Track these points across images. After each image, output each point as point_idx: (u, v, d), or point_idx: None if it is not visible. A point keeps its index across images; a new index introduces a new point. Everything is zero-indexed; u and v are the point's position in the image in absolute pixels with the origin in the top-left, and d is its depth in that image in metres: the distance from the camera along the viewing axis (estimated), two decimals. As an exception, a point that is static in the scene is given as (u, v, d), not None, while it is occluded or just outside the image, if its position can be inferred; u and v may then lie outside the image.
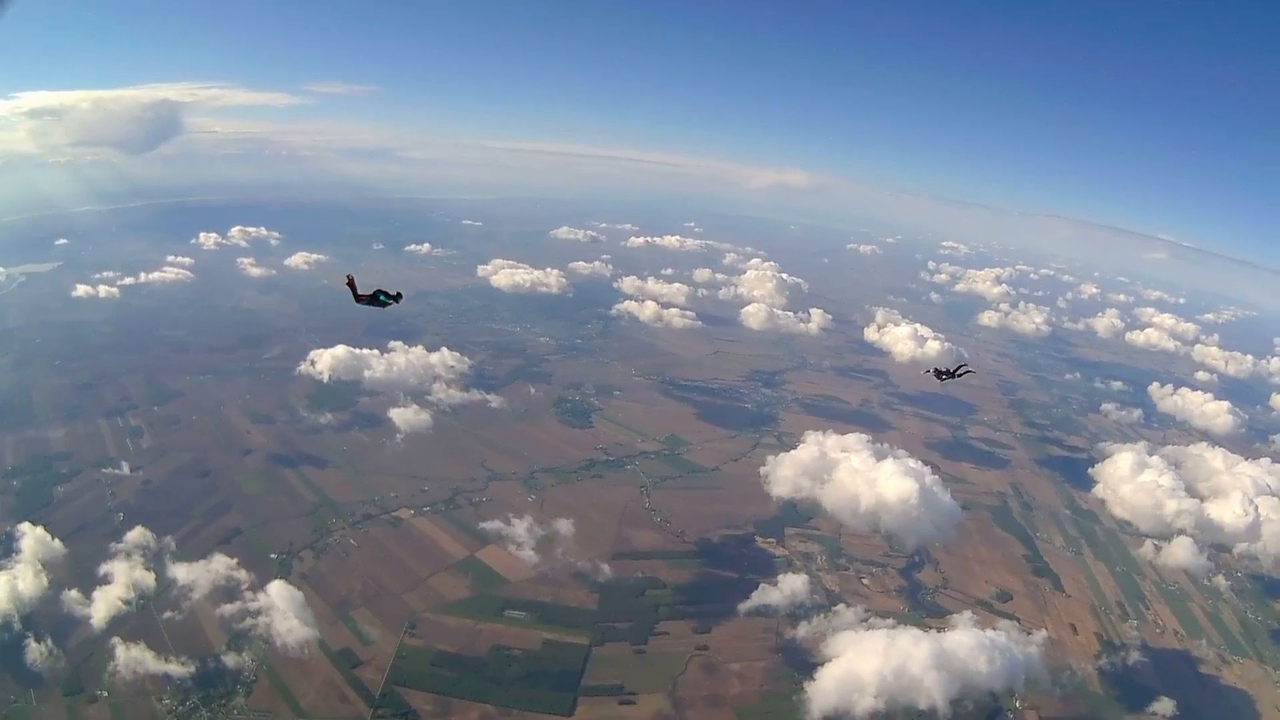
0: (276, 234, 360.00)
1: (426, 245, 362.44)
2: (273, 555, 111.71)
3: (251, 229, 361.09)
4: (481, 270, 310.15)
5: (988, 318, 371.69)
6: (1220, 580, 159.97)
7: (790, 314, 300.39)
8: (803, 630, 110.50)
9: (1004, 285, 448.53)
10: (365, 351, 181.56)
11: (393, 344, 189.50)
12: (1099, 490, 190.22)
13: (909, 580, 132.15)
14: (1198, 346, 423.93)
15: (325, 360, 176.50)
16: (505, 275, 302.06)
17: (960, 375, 56.92)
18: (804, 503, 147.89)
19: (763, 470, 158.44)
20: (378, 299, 38.14)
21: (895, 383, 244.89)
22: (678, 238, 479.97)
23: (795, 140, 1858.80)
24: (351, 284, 37.81)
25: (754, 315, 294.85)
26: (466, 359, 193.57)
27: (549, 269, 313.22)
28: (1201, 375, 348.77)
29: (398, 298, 38.39)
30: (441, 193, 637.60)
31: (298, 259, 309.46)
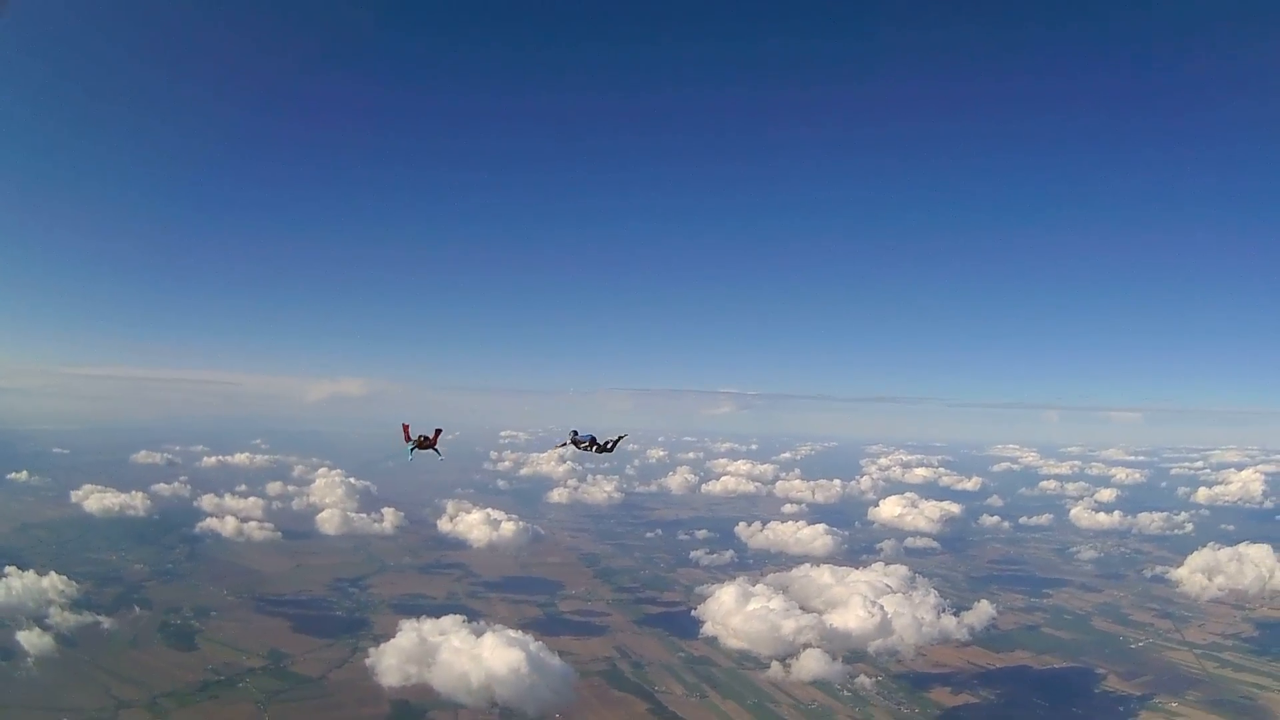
0: None
1: (25, 473, 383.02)
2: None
3: None
4: (75, 496, 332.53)
5: (557, 494, 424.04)
6: (864, 680, 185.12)
7: (364, 515, 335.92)
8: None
9: (569, 463, 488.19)
10: None
11: (8, 568, 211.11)
12: (708, 628, 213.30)
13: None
14: (779, 483, 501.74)
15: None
16: (95, 499, 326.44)
17: (610, 447, 59.71)
18: (415, 691, 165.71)
19: (368, 662, 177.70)
20: (426, 444, 55.10)
21: (477, 571, 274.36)
22: (247, 455, 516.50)
23: (346, 350, 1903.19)
24: (408, 433, 54.61)
25: (329, 521, 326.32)
26: (75, 583, 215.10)
27: (134, 492, 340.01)
28: (789, 508, 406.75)
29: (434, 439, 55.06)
30: (31, 422, 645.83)
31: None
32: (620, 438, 60.92)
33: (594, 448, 60.76)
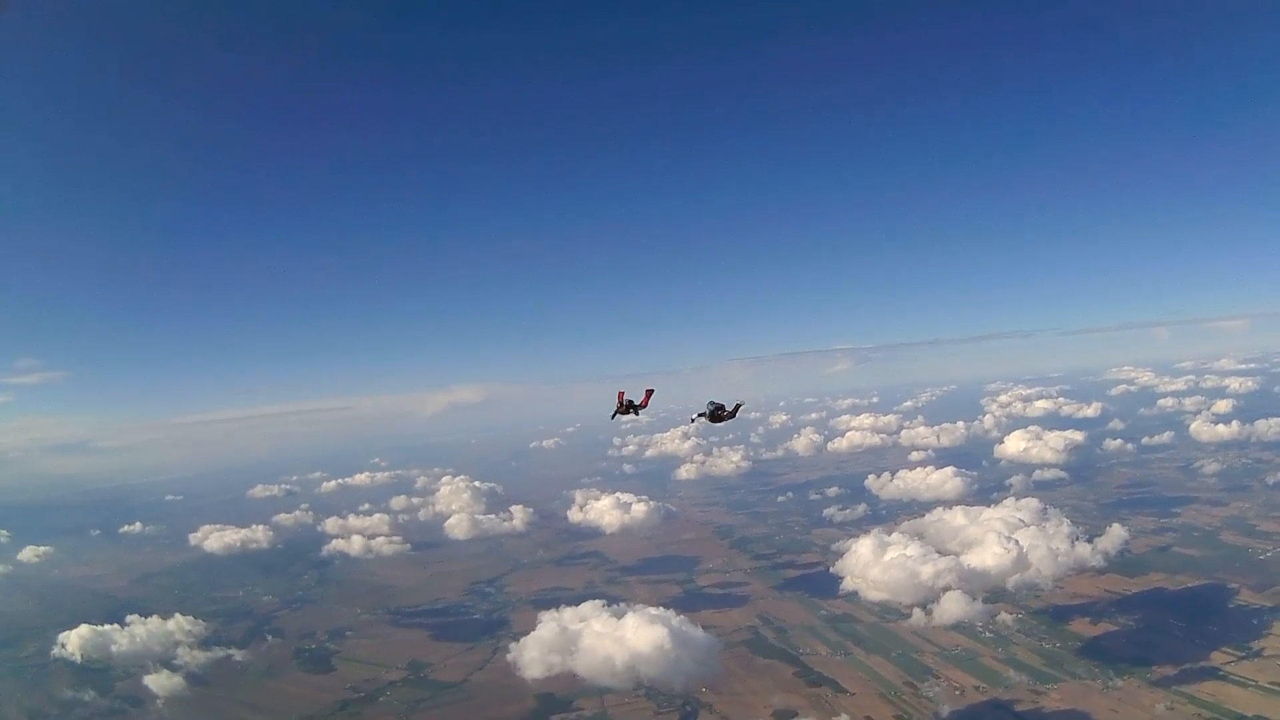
0: (4, 532, 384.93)
1: (139, 524, 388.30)
2: None
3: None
4: (193, 539, 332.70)
5: (685, 471, 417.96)
6: (1005, 619, 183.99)
7: (493, 516, 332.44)
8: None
9: (693, 439, 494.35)
10: (108, 627, 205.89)
11: (130, 618, 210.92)
12: (848, 583, 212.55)
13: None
14: (904, 432, 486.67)
15: (73, 641, 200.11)
16: (216, 538, 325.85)
17: (733, 414, 55.71)
18: (560, 682, 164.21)
19: (510, 658, 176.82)
20: (630, 408, 52.97)
21: (612, 558, 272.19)
22: (367, 474, 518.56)
23: (459, 359, 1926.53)
24: (621, 399, 52.59)
25: (458, 526, 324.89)
26: (202, 622, 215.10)
27: (254, 526, 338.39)
28: (916, 455, 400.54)
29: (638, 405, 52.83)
30: (141, 476, 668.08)
31: (28, 553, 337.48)
32: (739, 405, 56.05)
33: (719, 417, 55.63)
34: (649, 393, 55.03)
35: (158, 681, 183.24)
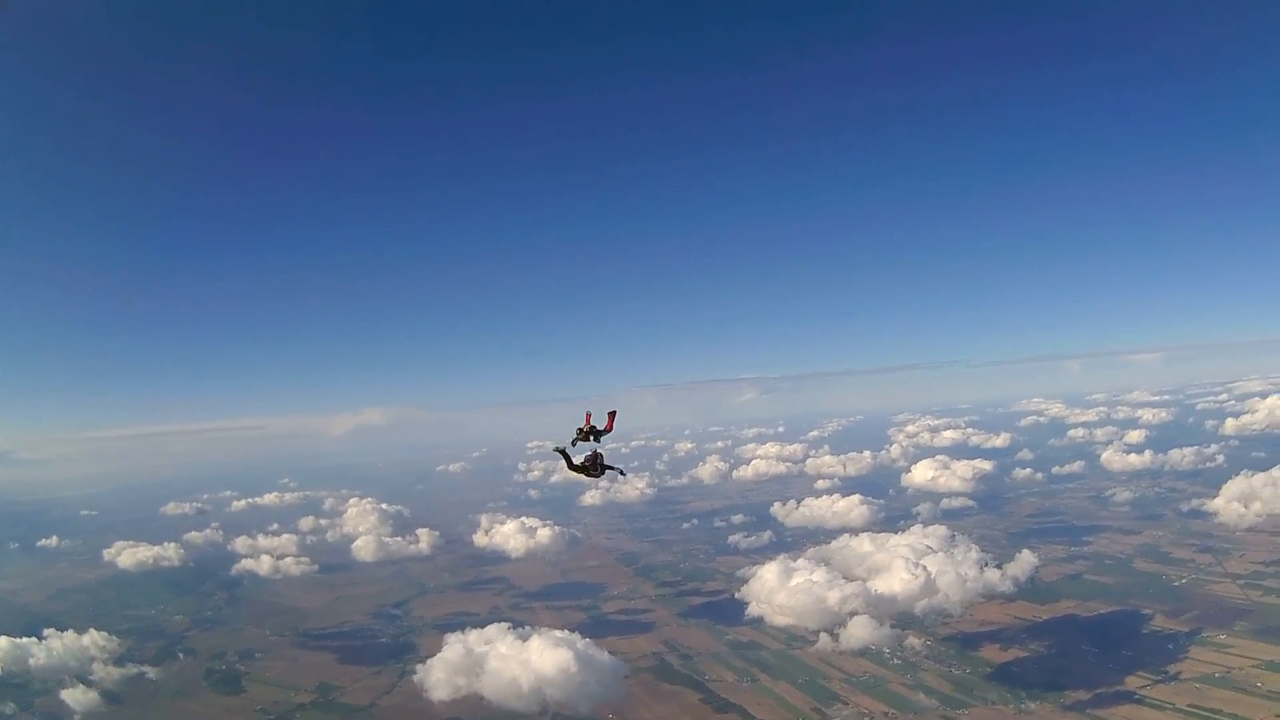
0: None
1: (55, 538, 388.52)
2: None
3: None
4: (107, 554, 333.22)
5: (590, 497, 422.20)
6: (913, 643, 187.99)
7: (399, 539, 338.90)
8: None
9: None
10: (26, 640, 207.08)
11: (47, 632, 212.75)
12: (753, 609, 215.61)
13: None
14: (809, 461, 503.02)
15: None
16: (129, 555, 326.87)
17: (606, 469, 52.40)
18: (466, 705, 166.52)
19: (417, 680, 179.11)
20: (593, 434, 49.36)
21: (517, 583, 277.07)
22: (276, 494, 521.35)
23: (366, 382, 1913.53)
24: (564, 454, 49.01)
25: (365, 548, 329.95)
26: (116, 639, 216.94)
27: (166, 543, 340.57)
28: (822, 484, 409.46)
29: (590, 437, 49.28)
30: (57, 490, 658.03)
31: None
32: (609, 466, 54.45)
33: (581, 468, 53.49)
34: (612, 415, 52.32)
35: (74, 697, 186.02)
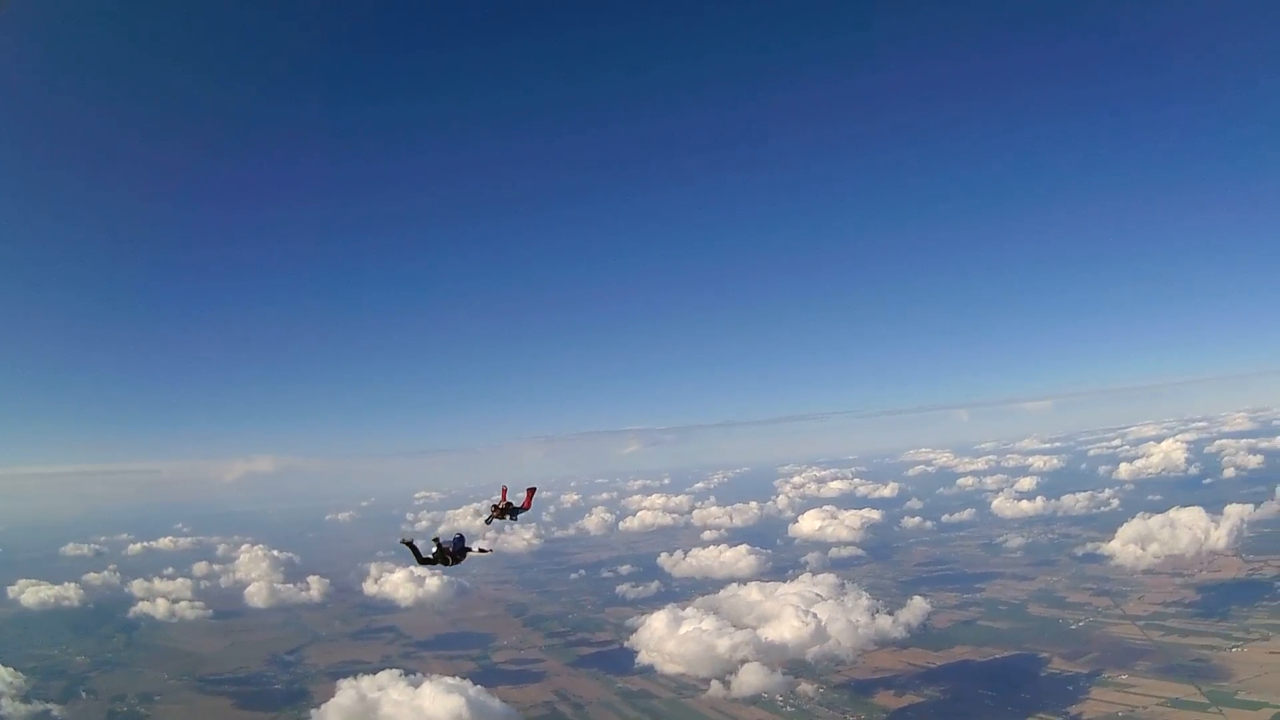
0: None
1: None
2: None
3: None
4: (10, 591, 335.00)
5: (477, 547, 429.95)
6: (806, 689, 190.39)
7: (291, 585, 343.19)
8: None
9: (486, 516, 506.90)
10: None
11: None
12: (643, 657, 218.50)
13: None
14: (696, 512, 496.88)
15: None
16: (31, 593, 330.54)
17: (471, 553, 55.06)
18: None
19: None
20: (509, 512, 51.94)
21: (408, 632, 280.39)
22: (170, 539, 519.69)
23: (253, 429, 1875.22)
24: (411, 545, 50.87)
25: (257, 594, 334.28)
26: (22, 676, 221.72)
27: (67, 583, 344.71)
28: (708, 534, 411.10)
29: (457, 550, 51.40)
30: None
31: None
32: (468, 549, 58.04)
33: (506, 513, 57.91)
34: (531, 492, 56.35)
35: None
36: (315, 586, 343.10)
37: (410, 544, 53.43)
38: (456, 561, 55.79)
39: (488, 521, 56.91)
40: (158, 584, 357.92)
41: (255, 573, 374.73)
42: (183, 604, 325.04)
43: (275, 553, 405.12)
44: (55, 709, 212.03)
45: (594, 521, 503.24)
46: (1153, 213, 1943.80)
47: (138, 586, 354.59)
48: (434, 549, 53.83)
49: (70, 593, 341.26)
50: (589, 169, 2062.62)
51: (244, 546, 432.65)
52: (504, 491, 56.26)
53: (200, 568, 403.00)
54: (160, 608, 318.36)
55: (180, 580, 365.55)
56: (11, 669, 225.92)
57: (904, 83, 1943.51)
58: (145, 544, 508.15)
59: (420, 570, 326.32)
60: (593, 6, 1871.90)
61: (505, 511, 55.98)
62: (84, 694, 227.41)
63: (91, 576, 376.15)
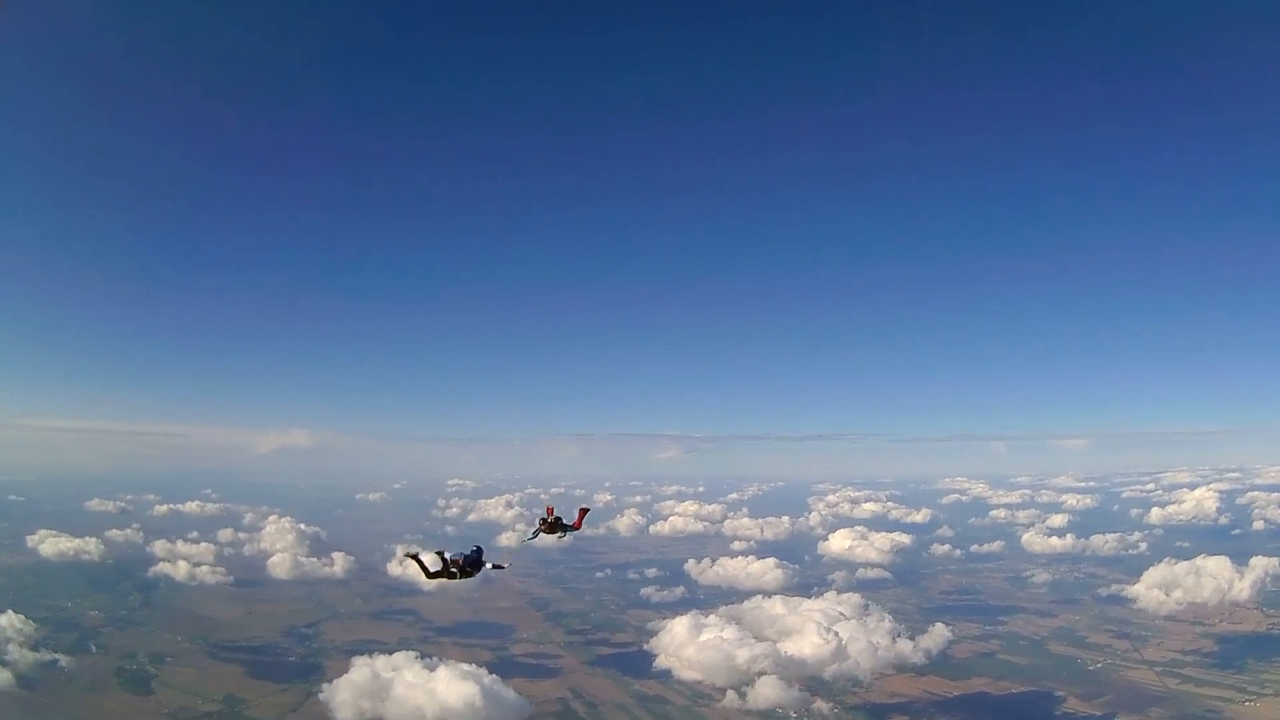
0: None
1: None
2: None
3: None
4: (30, 541, 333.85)
5: (506, 538, 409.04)
6: (821, 706, 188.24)
7: (315, 560, 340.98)
8: None
9: (516, 508, 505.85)
10: None
11: None
12: (661, 661, 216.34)
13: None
14: (727, 522, 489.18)
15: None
16: (51, 544, 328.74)
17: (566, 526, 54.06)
18: None
19: (322, 698, 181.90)
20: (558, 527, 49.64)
21: (428, 617, 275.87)
22: (198, 503, 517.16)
23: (293, 402, 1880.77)
24: (417, 559, 48.74)
25: (280, 566, 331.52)
26: (33, 624, 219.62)
27: (88, 538, 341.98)
28: (738, 545, 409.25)
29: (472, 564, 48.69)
30: None
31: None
32: (583, 513, 56.32)
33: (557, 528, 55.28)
34: (583, 513, 54.54)
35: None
36: (339, 563, 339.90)
37: (415, 557, 51.90)
38: (468, 575, 52.75)
39: (533, 536, 54.69)
40: (180, 546, 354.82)
41: (280, 544, 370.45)
42: (204, 568, 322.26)
43: (302, 526, 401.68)
44: (63, 659, 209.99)
45: (625, 523, 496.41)
46: (1208, 260, 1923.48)
47: (160, 547, 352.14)
48: (439, 564, 51.33)
49: (91, 547, 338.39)
50: (643, 169, 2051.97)
51: (271, 518, 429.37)
52: (549, 510, 53.95)
53: (225, 534, 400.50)
54: (181, 570, 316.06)
55: (204, 545, 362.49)
56: (23, 616, 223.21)
57: (952, 104, 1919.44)
58: (171, 506, 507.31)
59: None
60: (622, 10, 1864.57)
61: (554, 528, 53.84)
62: (94, 648, 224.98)
63: (114, 533, 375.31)
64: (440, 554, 51.82)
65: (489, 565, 54.00)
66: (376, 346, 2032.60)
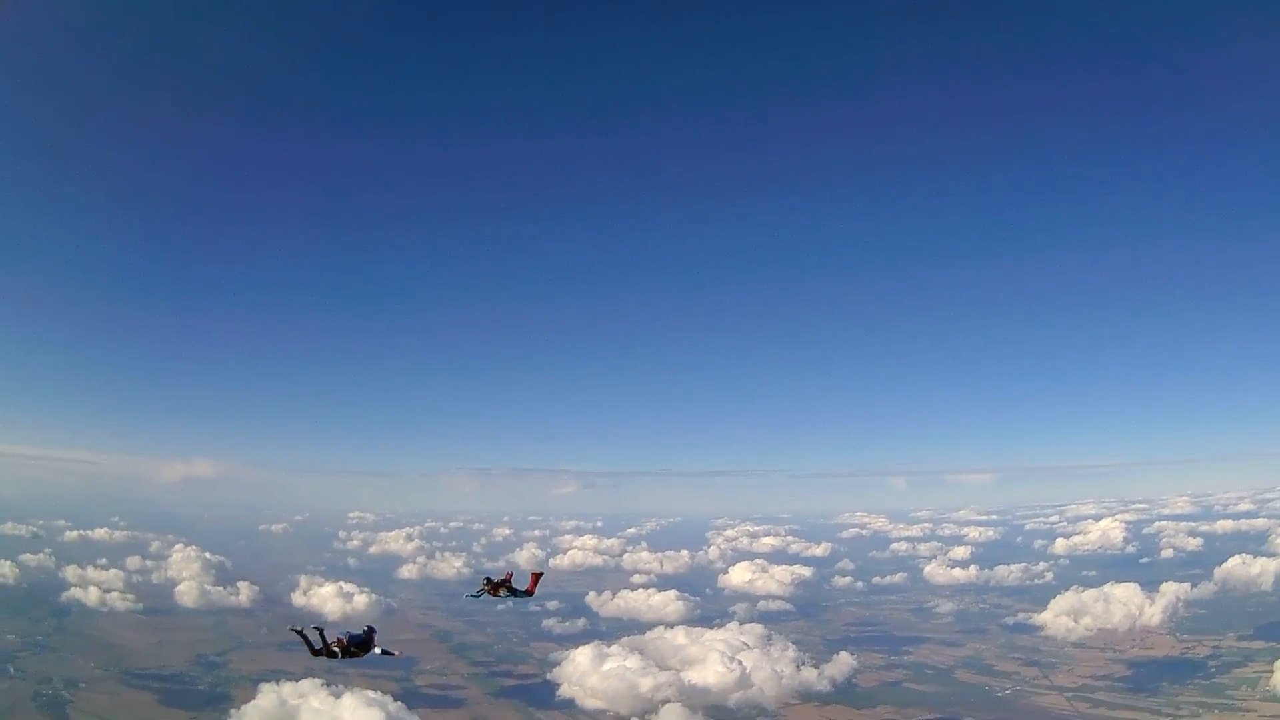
0: None
1: None
2: None
3: None
4: None
5: (407, 570, 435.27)
6: None
7: (221, 588, 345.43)
8: None
9: (416, 541, 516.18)
10: None
11: None
12: (565, 690, 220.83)
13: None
14: (627, 555, 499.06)
15: None
16: None
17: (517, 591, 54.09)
18: None
19: None
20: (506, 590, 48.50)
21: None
22: (106, 530, 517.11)
23: (198, 430, 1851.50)
24: (302, 634, 46.67)
25: (187, 593, 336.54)
26: None
27: (3, 560, 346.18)
28: (638, 578, 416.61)
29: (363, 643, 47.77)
30: None
31: None
32: (537, 577, 58.73)
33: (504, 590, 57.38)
34: (536, 577, 54.89)
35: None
36: (245, 592, 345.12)
37: (300, 632, 52.31)
38: (353, 656, 53.87)
39: (476, 595, 56.62)
40: (91, 572, 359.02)
41: (187, 572, 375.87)
42: (114, 595, 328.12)
43: (207, 555, 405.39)
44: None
45: (524, 556, 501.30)
46: (1106, 296, 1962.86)
47: (71, 573, 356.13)
48: (323, 642, 52.19)
49: (6, 571, 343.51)
50: (556, 193, 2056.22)
51: (177, 546, 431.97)
52: (509, 576, 56.13)
53: (134, 561, 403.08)
54: (92, 596, 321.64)
55: (113, 571, 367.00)
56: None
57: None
58: (81, 532, 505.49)
59: (348, 587, 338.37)
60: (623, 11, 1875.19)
61: (501, 590, 55.89)
62: (12, 671, 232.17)
63: (27, 557, 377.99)
64: (320, 631, 52.92)
65: (378, 650, 55.13)
66: (277, 379, 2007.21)
